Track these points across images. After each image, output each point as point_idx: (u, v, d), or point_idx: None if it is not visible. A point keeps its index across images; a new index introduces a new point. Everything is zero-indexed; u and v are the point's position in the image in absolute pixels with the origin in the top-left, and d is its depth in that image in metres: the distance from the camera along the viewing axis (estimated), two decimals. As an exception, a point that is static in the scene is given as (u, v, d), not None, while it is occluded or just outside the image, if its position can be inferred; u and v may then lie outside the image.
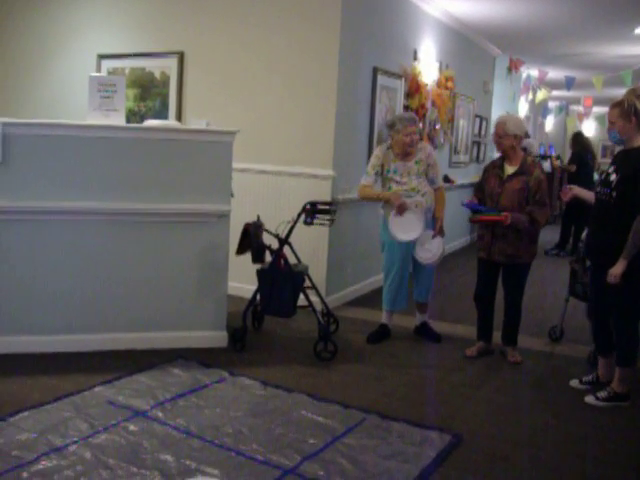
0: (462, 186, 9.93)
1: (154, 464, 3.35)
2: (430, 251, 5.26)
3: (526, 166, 5.01)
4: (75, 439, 3.57)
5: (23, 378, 4.36)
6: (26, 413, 3.85)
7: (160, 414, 3.93)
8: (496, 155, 5.46)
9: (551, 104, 14.93)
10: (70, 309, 4.84)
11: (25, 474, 3.19)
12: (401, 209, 5.20)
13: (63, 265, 4.78)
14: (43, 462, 3.32)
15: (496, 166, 5.16)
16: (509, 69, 11.36)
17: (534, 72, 12.47)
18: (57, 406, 3.97)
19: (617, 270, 4.21)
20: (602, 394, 4.52)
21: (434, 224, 5.37)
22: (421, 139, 5.91)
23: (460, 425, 4.02)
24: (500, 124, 5.04)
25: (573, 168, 10.45)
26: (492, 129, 5.42)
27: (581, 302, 5.55)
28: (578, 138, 10.67)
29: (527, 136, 9.81)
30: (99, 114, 4.88)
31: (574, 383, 4.75)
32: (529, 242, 5.05)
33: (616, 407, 4.42)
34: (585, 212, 8.39)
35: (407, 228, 5.21)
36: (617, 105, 4.29)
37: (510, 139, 4.99)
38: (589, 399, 4.52)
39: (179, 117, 6.86)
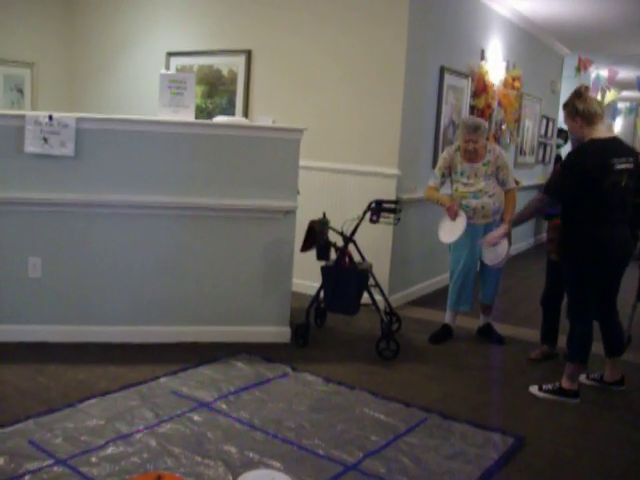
0: (528, 188, 9.79)
1: (218, 454, 3.40)
2: (496, 252, 5.20)
3: None
4: (141, 427, 3.65)
5: (91, 367, 4.48)
6: (94, 400, 3.95)
7: (224, 406, 3.98)
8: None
9: (620, 105, 14.63)
10: (136, 301, 4.95)
11: (94, 459, 3.28)
12: (451, 212, 5.26)
13: (132, 258, 4.89)
14: (111, 448, 3.40)
15: None
16: (578, 69, 11.15)
17: (603, 72, 12.24)
18: (124, 395, 4.06)
19: (498, 232, 4.94)
20: (547, 386, 4.53)
21: (500, 224, 5.31)
22: (487, 139, 5.87)
23: (523, 428, 3.97)
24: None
25: None
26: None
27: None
28: None
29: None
30: (169, 110, 4.96)
31: (582, 378, 4.66)
32: None
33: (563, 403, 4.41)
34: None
35: (453, 230, 5.27)
36: (564, 107, 4.44)
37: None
38: (532, 389, 4.56)
39: (246, 114, 6.93)
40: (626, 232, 4.44)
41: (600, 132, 4.31)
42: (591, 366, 4.73)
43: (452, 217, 5.27)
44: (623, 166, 4.24)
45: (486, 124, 5.51)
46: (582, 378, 4.69)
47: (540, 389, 4.54)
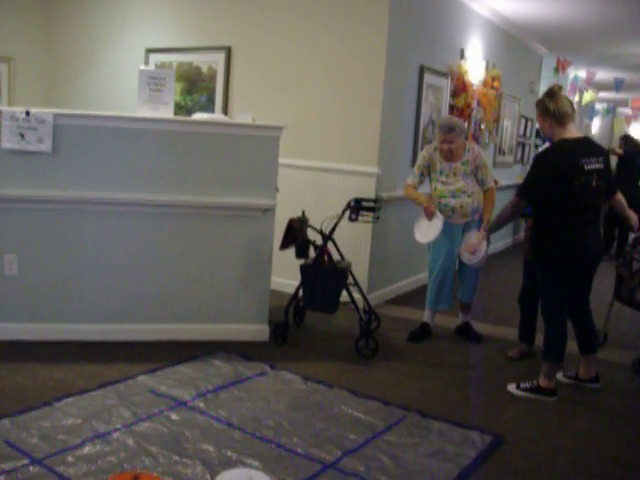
0: (507, 187, 9.83)
1: (196, 453, 3.38)
2: (473, 256, 5.23)
3: None
4: (118, 426, 3.62)
5: (68, 365, 4.44)
6: (71, 399, 3.91)
7: (202, 405, 3.96)
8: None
9: (598, 106, 14.74)
10: (114, 299, 4.91)
11: (70, 458, 3.25)
12: (428, 212, 5.27)
13: (109, 255, 4.85)
14: (87, 447, 3.37)
15: None
16: (556, 69, 11.23)
17: (582, 73, 12.33)
18: (101, 393, 4.03)
19: (477, 238, 4.99)
20: (525, 384, 4.57)
21: (479, 225, 5.34)
22: (466, 138, 5.88)
23: (501, 427, 3.99)
24: None
25: (619, 152, 10.24)
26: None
27: (626, 307, 5.46)
28: (628, 139, 10.48)
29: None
30: (148, 107, 4.93)
31: (511, 387, 4.65)
32: None
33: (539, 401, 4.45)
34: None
35: (429, 231, 5.29)
36: (536, 106, 4.48)
37: None
38: (510, 387, 4.60)
39: (225, 112, 6.90)
40: (598, 232, 4.49)
41: (570, 132, 4.33)
42: (567, 364, 4.77)
43: (429, 217, 5.28)
44: (593, 166, 4.26)
45: (464, 124, 5.50)
46: (559, 376, 4.72)
47: (518, 387, 4.57)
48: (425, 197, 5.40)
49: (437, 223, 5.24)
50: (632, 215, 4.77)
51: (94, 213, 4.78)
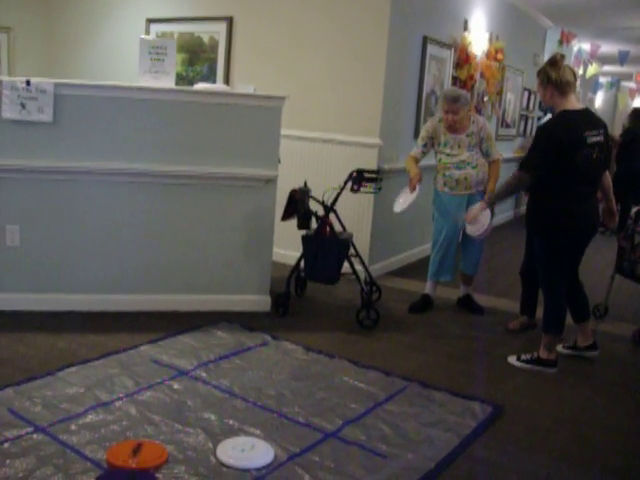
0: (509, 160, 9.80)
1: (197, 422, 3.40)
2: (478, 223, 5.21)
3: None
4: (121, 395, 3.64)
5: (71, 335, 4.45)
6: (74, 368, 3.93)
7: (204, 374, 3.98)
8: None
9: (602, 79, 14.64)
10: (116, 269, 4.92)
11: (73, 426, 3.27)
12: (410, 184, 5.28)
13: (111, 226, 4.85)
14: (90, 416, 3.39)
15: None
16: (560, 42, 11.14)
17: (586, 46, 12.24)
18: (103, 363, 4.05)
19: (476, 207, 4.85)
20: (525, 356, 4.59)
21: (484, 197, 5.33)
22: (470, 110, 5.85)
23: (501, 397, 4.01)
24: None
25: (616, 137, 10.16)
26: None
27: (627, 280, 5.47)
28: (638, 112, 10.33)
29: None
30: (149, 77, 4.90)
31: (511, 359, 4.68)
32: None
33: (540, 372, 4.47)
34: (632, 188, 8.25)
35: (404, 201, 5.34)
36: (537, 75, 4.41)
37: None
38: (511, 359, 4.63)
39: (227, 83, 6.86)
40: (595, 204, 4.46)
41: (572, 103, 4.28)
42: (567, 336, 4.78)
43: (410, 189, 5.29)
44: (594, 139, 4.23)
45: (468, 95, 5.47)
46: (559, 348, 4.73)
47: (518, 359, 4.59)
48: (416, 170, 5.34)
49: (412, 196, 5.26)
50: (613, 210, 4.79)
51: (95, 183, 4.77)
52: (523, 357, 4.58)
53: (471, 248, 5.50)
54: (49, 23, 8.19)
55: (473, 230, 5.14)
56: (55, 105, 4.58)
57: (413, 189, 5.25)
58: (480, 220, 5.11)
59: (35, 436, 3.15)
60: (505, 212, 10.48)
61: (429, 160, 5.59)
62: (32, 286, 4.82)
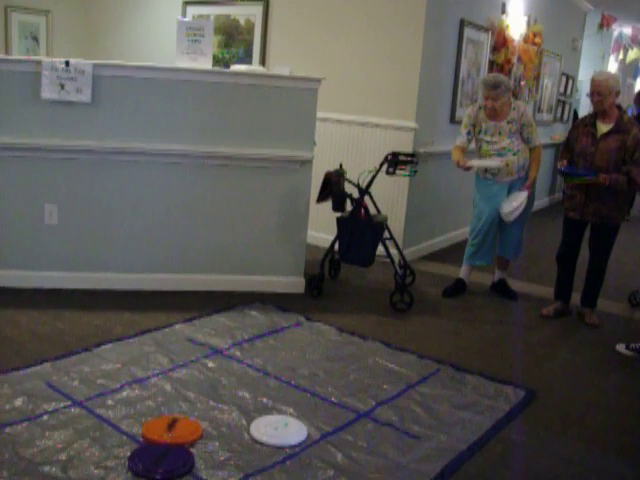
0: (545, 146, 9.70)
1: (232, 399, 3.44)
2: (511, 205, 5.20)
3: (623, 124, 4.81)
4: (156, 372, 3.69)
5: (107, 313, 4.52)
6: (109, 345, 3.99)
7: (238, 353, 4.02)
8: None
9: (642, 64, 14.40)
10: (153, 249, 4.96)
11: (110, 401, 3.33)
12: (461, 167, 5.28)
13: (148, 206, 4.89)
14: (126, 391, 3.45)
15: (587, 124, 4.97)
16: (600, 26, 10.95)
17: (627, 30, 12.03)
18: (139, 340, 4.11)
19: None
20: (635, 345, 4.57)
21: (525, 181, 5.30)
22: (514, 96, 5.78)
23: (534, 382, 3.99)
24: (603, 81, 4.77)
25: None
26: (585, 87, 5.24)
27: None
28: None
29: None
30: (186, 58, 4.92)
31: (620, 347, 4.64)
32: (623, 203, 4.94)
33: None
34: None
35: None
36: None
37: (612, 96, 4.78)
38: (619, 347, 4.64)
39: (263, 65, 6.86)
40: None
41: None
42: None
43: (464, 168, 5.26)
44: None
45: (510, 82, 5.38)
46: (621, 348, 4.66)
47: (627, 347, 4.58)
48: (459, 155, 5.32)
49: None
50: None
51: (132, 163, 4.81)
52: (632, 346, 4.56)
53: (508, 232, 5.45)
54: (87, 6, 8.25)
55: (505, 207, 5.16)
56: (93, 86, 4.62)
57: (466, 166, 5.25)
58: (513, 202, 5.13)
59: (72, 410, 3.22)
60: (540, 199, 10.37)
61: (470, 146, 5.54)
62: (69, 264, 4.89)
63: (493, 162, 5.23)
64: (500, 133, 5.27)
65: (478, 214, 5.45)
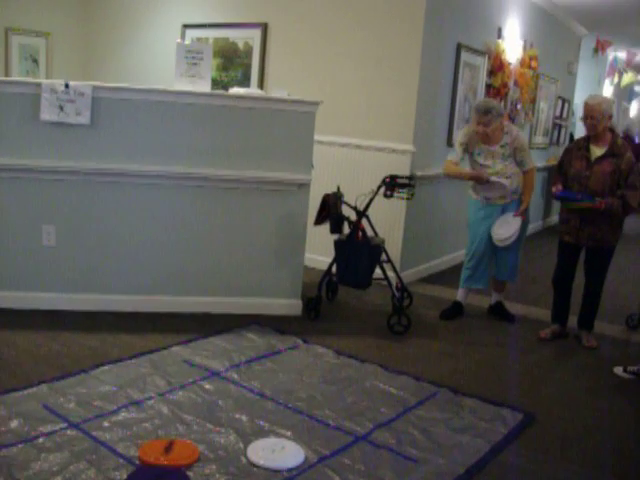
0: (540, 169, 9.75)
1: (229, 422, 3.43)
2: (503, 230, 5.22)
3: (616, 147, 4.85)
4: (153, 394, 3.68)
5: (104, 335, 4.51)
6: (106, 367, 3.98)
7: (235, 376, 4.01)
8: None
9: (637, 88, 14.50)
10: (150, 271, 4.97)
11: (106, 423, 3.31)
12: (480, 178, 5.23)
13: (145, 228, 4.90)
14: (123, 413, 3.44)
15: (581, 147, 5.00)
16: (595, 50, 11.05)
17: (621, 54, 12.13)
18: (136, 362, 4.10)
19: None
20: (632, 368, 4.56)
21: (519, 206, 5.32)
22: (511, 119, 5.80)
23: (532, 405, 3.99)
24: (596, 105, 4.80)
25: None
26: (580, 110, 5.26)
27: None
28: None
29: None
30: (185, 81, 4.95)
31: (618, 370, 4.64)
32: (617, 226, 4.96)
33: None
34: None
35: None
36: None
37: (605, 120, 4.82)
38: (617, 370, 4.64)
39: (261, 88, 6.90)
40: None
41: None
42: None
43: (482, 180, 5.22)
44: None
45: (502, 107, 5.40)
46: (619, 371, 4.65)
47: (625, 370, 4.58)
48: (468, 170, 5.34)
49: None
50: None
51: (131, 185, 4.82)
52: (630, 368, 4.57)
53: (505, 255, 5.45)
54: (87, 29, 8.31)
55: (497, 235, 5.18)
56: (93, 108, 4.64)
57: (485, 179, 5.22)
58: (507, 229, 5.15)
59: (69, 432, 3.20)
60: (535, 222, 10.39)
61: (464, 166, 5.55)
62: (67, 286, 4.88)
63: (505, 181, 5.24)
64: (493, 157, 5.29)
65: (472, 237, 5.47)
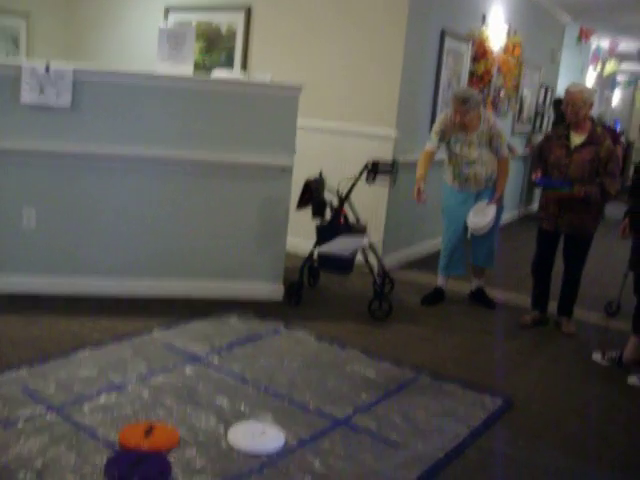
0: (522, 157, 9.79)
1: (209, 407, 3.43)
2: (479, 219, 5.25)
3: (596, 136, 4.87)
4: (133, 378, 3.67)
5: (84, 319, 4.49)
6: (87, 351, 3.97)
7: (216, 360, 4.01)
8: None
9: (619, 78, 14.56)
10: (131, 255, 4.94)
11: (86, 407, 3.31)
12: (417, 198, 5.27)
13: (126, 211, 4.87)
14: (103, 397, 3.43)
15: (561, 136, 5.01)
16: (579, 38, 11.07)
17: (604, 43, 12.16)
18: (116, 346, 4.09)
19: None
20: (610, 353, 4.62)
21: (493, 193, 5.34)
22: (485, 107, 5.81)
23: (512, 390, 4.02)
24: (577, 93, 4.81)
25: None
26: (561, 98, 5.27)
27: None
28: None
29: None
30: (167, 64, 4.91)
31: (596, 356, 4.68)
32: (596, 213, 4.99)
33: None
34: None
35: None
36: None
37: (586, 108, 4.83)
38: (595, 356, 4.67)
39: (244, 69, 6.87)
40: None
41: None
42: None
43: (418, 201, 5.28)
44: None
45: (480, 96, 5.40)
46: (598, 357, 4.68)
47: (603, 356, 4.62)
48: (421, 179, 5.30)
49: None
50: None
51: (111, 169, 4.79)
52: (608, 354, 4.62)
53: (481, 241, 5.48)
54: (68, 8, 8.21)
55: (472, 223, 5.21)
56: (73, 91, 4.60)
57: (419, 201, 5.27)
58: (482, 217, 5.19)
59: (49, 416, 3.19)
60: (512, 210, 10.39)
61: (440, 154, 5.57)
62: (47, 269, 4.85)
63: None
64: (470, 145, 5.31)
65: (447, 224, 5.51)
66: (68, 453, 2.90)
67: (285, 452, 3.08)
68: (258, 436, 3.16)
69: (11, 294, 4.74)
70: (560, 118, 9.45)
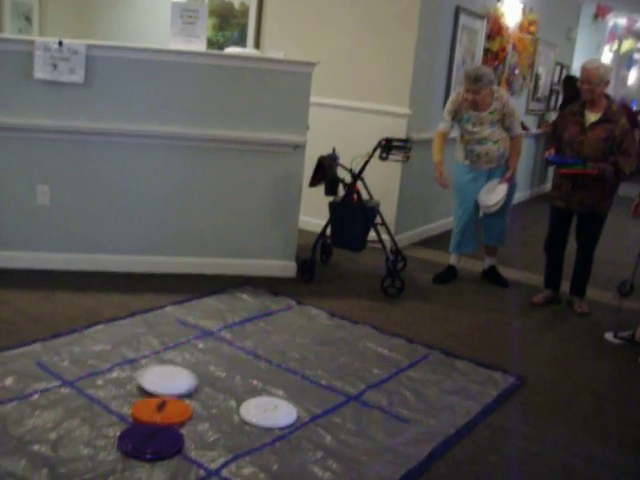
0: (536, 135, 9.72)
1: (221, 381, 3.45)
2: (490, 197, 5.23)
3: (611, 113, 4.81)
4: (146, 353, 3.70)
5: (98, 294, 4.51)
6: (100, 327, 3.99)
7: (228, 336, 4.03)
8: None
9: (637, 56, 14.40)
10: (145, 231, 4.96)
11: (100, 381, 3.34)
12: (440, 183, 5.33)
13: (140, 188, 4.88)
14: (116, 372, 3.45)
15: (576, 113, 4.96)
16: (595, 16, 10.94)
17: (622, 20, 12.02)
18: (130, 322, 4.11)
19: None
20: (622, 334, 4.63)
21: (505, 172, 5.31)
22: (499, 85, 5.77)
23: (524, 369, 4.02)
24: (594, 69, 4.75)
25: None
26: (578, 75, 5.21)
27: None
28: None
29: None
30: (181, 40, 4.89)
31: (608, 336, 4.67)
32: (610, 192, 4.94)
33: None
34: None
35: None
36: None
37: (602, 85, 4.77)
38: (608, 335, 4.69)
39: (257, 48, 6.83)
40: None
41: None
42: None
43: (442, 187, 5.35)
44: None
45: (492, 74, 5.33)
46: (610, 337, 4.68)
47: (615, 336, 4.62)
48: (440, 164, 5.28)
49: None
50: None
51: (125, 145, 4.79)
52: (620, 334, 4.61)
53: (493, 220, 5.47)
54: (81, -14, 8.19)
55: (483, 201, 5.19)
56: (87, 66, 4.59)
57: (444, 187, 5.34)
58: (493, 195, 5.16)
59: (63, 390, 3.22)
60: (524, 190, 10.34)
61: (452, 132, 5.53)
62: (61, 245, 4.88)
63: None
64: (482, 123, 5.27)
65: (459, 202, 5.49)
66: (82, 426, 2.93)
67: (297, 426, 3.10)
68: (270, 411, 3.18)
69: (26, 270, 4.77)
70: (570, 96, 9.35)
